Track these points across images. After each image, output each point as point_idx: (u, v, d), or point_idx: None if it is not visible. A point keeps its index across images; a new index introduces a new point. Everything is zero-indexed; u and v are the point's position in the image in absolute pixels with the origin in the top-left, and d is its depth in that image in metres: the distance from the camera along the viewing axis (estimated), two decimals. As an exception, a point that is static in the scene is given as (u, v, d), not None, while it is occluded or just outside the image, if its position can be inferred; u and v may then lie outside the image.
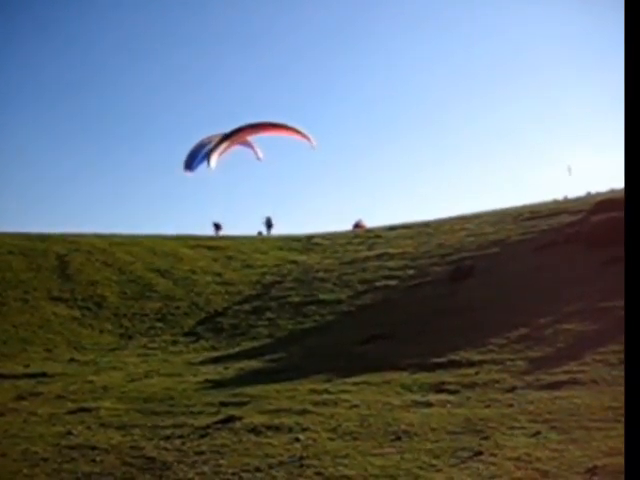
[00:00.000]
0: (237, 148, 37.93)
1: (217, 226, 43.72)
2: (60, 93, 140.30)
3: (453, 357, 14.88)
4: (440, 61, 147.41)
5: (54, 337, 24.52)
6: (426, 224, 39.24)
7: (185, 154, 38.84)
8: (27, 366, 20.53)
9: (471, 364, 14.19)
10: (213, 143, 35.99)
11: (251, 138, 36.76)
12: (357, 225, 46.49)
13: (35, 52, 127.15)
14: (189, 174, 38.33)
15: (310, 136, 34.79)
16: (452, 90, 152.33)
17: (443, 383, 12.99)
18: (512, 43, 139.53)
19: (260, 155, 39.43)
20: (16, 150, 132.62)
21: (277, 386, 14.45)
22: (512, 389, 11.98)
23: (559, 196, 40.34)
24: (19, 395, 15.96)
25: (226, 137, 34.99)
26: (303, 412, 11.94)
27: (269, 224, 39.76)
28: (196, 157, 37.49)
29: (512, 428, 9.63)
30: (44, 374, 18.97)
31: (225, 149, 35.55)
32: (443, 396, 12.11)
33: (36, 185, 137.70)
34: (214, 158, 34.88)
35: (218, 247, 36.63)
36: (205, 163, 37.16)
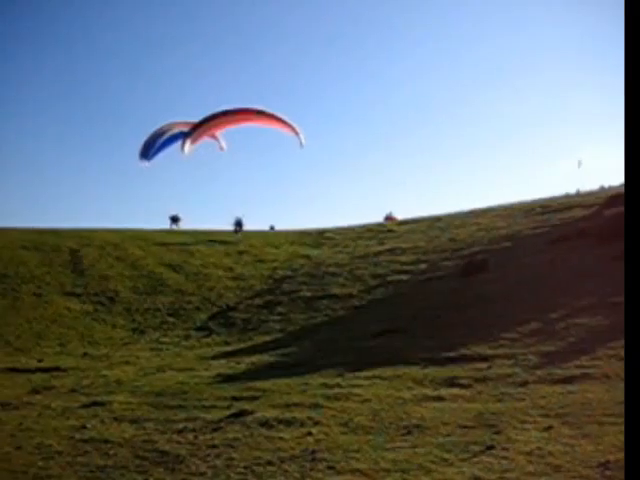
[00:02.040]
0: (206, 139, 34.33)
1: (174, 219, 42.74)
2: (69, 87, 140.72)
3: (465, 351, 14.87)
4: (454, 55, 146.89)
5: (67, 332, 24.66)
6: (438, 218, 39.20)
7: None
8: (41, 360, 20.66)
9: (483, 358, 14.17)
10: (189, 127, 32.21)
11: (232, 127, 32.92)
12: (388, 218, 46.37)
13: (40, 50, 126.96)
14: (145, 164, 35.99)
15: (300, 132, 30.81)
16: (464, 84, 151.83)
17: (455, 377, 12.98)
18: (525, 37, 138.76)
19: (224, 146, 35.68)
20: (28, 146, 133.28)
21: (289, 380, 14.48)
22: (524, 383, 11.97)
23: (572, 190, 40.14)
24: (33, 389, 16.06)
25: (206, 121, 31.40)
26: (315, 406, 11.97)
27: (239, 225, 39.24)
28: (153, 146, 35.45)
29: (524, 422, 9.63)
30: (58, 368, 19.09)
31: (202, 134, 31.79)
32: (455, 390, 12.12)
33: (48, 181, 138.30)
34: (188, 143, 31.02)
35: (230, 242, 36.72)
36: (162, 153, 35.51)
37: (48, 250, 33.28)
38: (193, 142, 30.95)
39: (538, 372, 12.55)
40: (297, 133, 30.63)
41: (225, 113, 31.42)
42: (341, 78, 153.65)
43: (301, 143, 30.98)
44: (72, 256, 32.67)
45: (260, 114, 31.15)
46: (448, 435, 9.44)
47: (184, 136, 31.66)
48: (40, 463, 9.73)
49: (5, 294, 27.42)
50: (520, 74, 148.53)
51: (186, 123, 33.87)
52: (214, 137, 34.13)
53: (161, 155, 35.66)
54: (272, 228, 47.55)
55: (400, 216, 45.64)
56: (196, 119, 32.46)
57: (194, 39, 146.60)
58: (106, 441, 10.82)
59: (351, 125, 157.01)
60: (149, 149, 34.89)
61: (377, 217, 46.71)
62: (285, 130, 31.11)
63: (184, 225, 42.83)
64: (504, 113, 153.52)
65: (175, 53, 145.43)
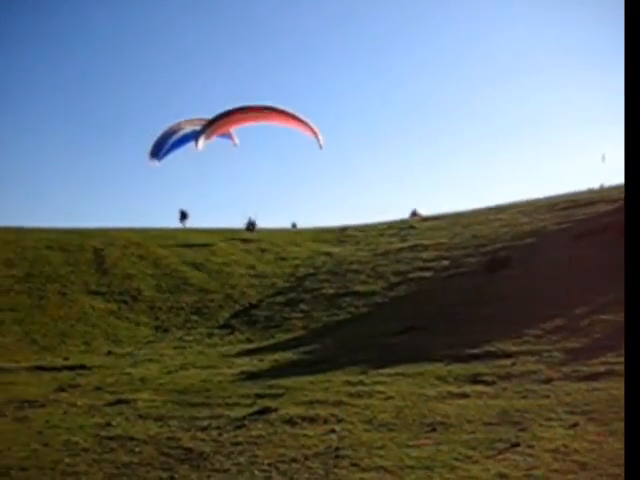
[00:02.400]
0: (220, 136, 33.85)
1: (183, 214, 42.30)
2: (88, 87, 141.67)
3: (488, 348, 14.79)
4: (477, 50, 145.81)
5: (92, 330, 24.89)
6: (460, 215, 39.02)
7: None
8: (66, 359, 20.89)
9: (507, 355, 14.09)
10: (203, 123, 31.48)
11: (248, 124, 32.01)
12: (414, 214, 46.19)
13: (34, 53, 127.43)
14: (156, 164, 35.45)
15: (319, 133, 29.60)
16: (486, 79, 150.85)
17: (479, 374, 12.92)
18: (543, 31, 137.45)
19: (237, 141, 35.12)
20: (50, 148, 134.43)
21: (312, 378, 14.51)
22: (549, 380, 11.88)
23: (595, 185, 39.70)
24: (59, 387, 16.24)
25: (221, 117, 30.53)
26: (338, 403, 11.98)
27: (252, 225, 39.10)
28: (163, 145, 34.91)
29: (549, 419, 9.56)
30: (83, 366, 19.30)
31: (217, 130, 31.12)
32: (479, 387, 12.06)
33: (71, 181, 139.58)
34: (202, 139, 30.41)
35: (252, 240, 36.82)
36: (174, 152, 35.16)
37: (72, 250, 33.62)
38: (207, 138, 30.48)
39: (563, 369, 12.46)
40: (316, 134, 29.77)
41: (242, 110, 30.62)
42: (359, 73, 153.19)
43: (320, 145, 30.10)
44: (96, 255, 32.97)
45: (279, 113, 30.31)
46: (472, 432, 9.40)
47: (198, 132, 31.04)
48: (67, 460, 9.84)
49: (31, 293, 27.74)
50: (542, 69, 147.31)
51: (198, 120, 33.66)
52: (228, 133, 33.76)
53: (178, 153, 35.24)
54: (294, 225, 47.53)
55: (426, 212, 45.42)
56: (205, 115, 32.22)
57: (195, 38, 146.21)
58: (131, 438, 10.92)
59: (374, 121, 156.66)
60: (160, 148, 34.62)
61: (402, 214, 46.56)
62: (304, 130, 30.34)
63: (193, 221, 42.46)
64: (527, 108, 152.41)
65: (182, 51, 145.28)
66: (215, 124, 30.19)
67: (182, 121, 34.93)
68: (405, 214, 46.44)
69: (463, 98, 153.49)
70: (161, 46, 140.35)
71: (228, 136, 34.21)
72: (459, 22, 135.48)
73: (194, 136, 32.23)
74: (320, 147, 30.05)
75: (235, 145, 35.07)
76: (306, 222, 47.89)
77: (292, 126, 30.56)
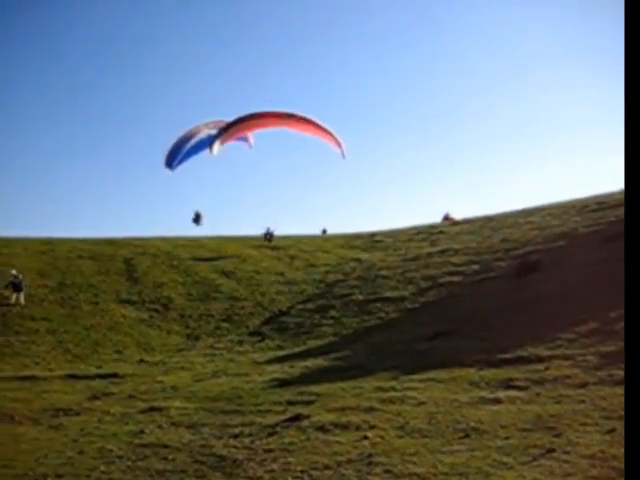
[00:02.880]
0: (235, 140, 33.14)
1: (197, 216, 41.65)
2: (117, 97, 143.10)
3: (521, 353, 14.61)
4: (505, 52, 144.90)
5: (124, 339, 25.11)
6: (489, 218, 38.76)
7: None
8: (99, 367, 21.11)
9: (540, 360, 13.90)
10: (219, 127, 30.03)
11: (266, 129, 30.25)
12: (446, 218, 45.98)
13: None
14: (169, 172, 34.63)
15: (342, 142, 27.97)
16: (516, 83, 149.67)
17: (511, 379, 12.77)
18: (570, 27, 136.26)
19: (252, 142, 32.94)
20: (83, 160, 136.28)
21: (343, 384, 14.47)
22: (584, 385, 11.70)
23: (627, 186, 39.01)
24: (93, 395, 16.43)
25: (239, 122, 28.99)
26: (370, 410, 11.93)
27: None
28: (178, 154, 34.09)
29: (585, 425, 9.41)
30: (115, 375, 19.49)
31: (233, 135, 29.69)
32: (512, 392, 11.92)
33: (102, 192, 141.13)
34: (217, 144, 28.85)
35: (281, 247, 36.92)
36: (187, 161, 33.25)
37: (104, 259, 34.02)
38: (222, 143, 29.40)
39: (598, 373, 12.26)
40: (339, 144, 28.48)
41: (260, 116, 29.43)
42: (388, 77, 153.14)
43: (343, 154, 28.60)
44: (127, 265, 33.30)
45: (300, 120, 28.91)
46: (507, 438, 9.29)
47: (213, 137, 29.81)
48: (102, 467, 9.93)
49: (64, 303, 28.09)
50: (572, 70, 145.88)
51: (214, 123, 32.68)
52: (244, 138, 32.87)
53: (207, 163, 34.82)
54: (324, 232, 47.48)
55: (458, 216, 45.12)
56: (223, 118, 31.02)
57: (196, 38, 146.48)
58: (165, 446, 11.00)
59: (397, 128, 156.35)
60: (174, 157, 34.21)
61: (431, 218, 46.30)
62: (326, 139, 28.90)
63: (206, 224, 42.02)
64: (558, 109, 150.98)
65: (176, 46, 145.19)
66: (231, 129, 29.28)
67: (200, 125, 34.12)
68: (435, 219, 46.24)
69: (494, 102, 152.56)
70: (166, 45, 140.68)
71: (243, 138, 33.73)
72: (491, 23, 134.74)
73: (209, 141, 31.06)
74: (343, 157, 28.65)
75: (250, 147, 34.36)
76: (334, 229, 47.80)
77: (313, 134, 29.21)
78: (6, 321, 25.83)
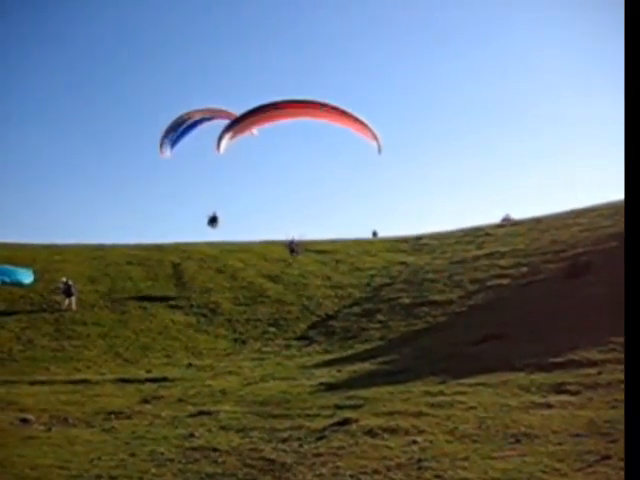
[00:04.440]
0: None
1: (212, 219, 40.86)
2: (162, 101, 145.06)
3: (572, 357, 14.36)
4: (553, 51, 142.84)
5: (172, 343, 25.42)
6: (537, 220, 38.23)
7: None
8: (149, 371, 21.40)
9: (592, 364, 13.64)
10: (230, 119, 26.47)
11: (286, 120, 25.97)
12: (505, 219, 45.45)
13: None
14: (167, 155, 32.90)
15: (378, 135, 24.31)
16: (561, 82, 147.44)
17: (563, 384, 12.54)
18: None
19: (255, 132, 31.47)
20: (132, 170, 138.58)
21: (391, 388, 14.40)
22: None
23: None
24: (143, 399, 16.64)
25: (256, 113, 25.07)
26: (419, 414, 11.83)
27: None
28: (170, 138, 32.46)
29: (642, 431, 9.18)
30: (165, 379, 19.74)
31: (246, 128, 25.96)
32: (564, 397, 11.71)
33: (148, 198, 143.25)
34: (227, 138, 25.26)
35: (327, 251, 36.98)
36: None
37: (152, 265, 34.52)
38: (234, 136, 25.71)
39: (653, 377, 11.97)
40: (375, 137, 25.22)
41: (282, 105, 25.26)
42: (440, 76, 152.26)
43: (379, 148, 25.28)
44: (174, 270, 33.74)
45: (327, 109, 25.02)
46: (559, 444, 9.12)
47: (224, 130, 25.95)
48: (153, 470, 10.04)
49: (114, 308, 28.57)
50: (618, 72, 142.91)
51: (208, 110, 30.56)
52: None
53: (252, 164, 34.13)
54: (375, 234, 47.38)
55: (517, 216, 44.44)
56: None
57: (197, 37, 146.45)
58: (214, 449, 11.06)
59: (441, 130, 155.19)
60: (168, 142, 32.88)
61: (481, 220, 45.82)
62: (359, 131, 25.39)
63: (222, 226, 41.43)
64: (603, 107, 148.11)
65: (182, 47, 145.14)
66: (247, 121, 25.46)
67: (190, 111, 31.33)
68: (487, 220, 45.68)
69: (540, 101, 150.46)
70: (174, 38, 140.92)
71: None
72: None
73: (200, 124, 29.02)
74: (379, 151, 25.25)
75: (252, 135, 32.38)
76: (380, 232, 47.68)
77: (343, 124, 25.57)
78: (59, 326, 26.39)
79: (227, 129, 25.34)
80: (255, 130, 28.97)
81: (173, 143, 32.44)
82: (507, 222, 43.08)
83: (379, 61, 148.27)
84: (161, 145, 32.40)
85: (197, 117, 29.64)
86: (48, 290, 29.64)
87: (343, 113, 24.53)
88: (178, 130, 31.61)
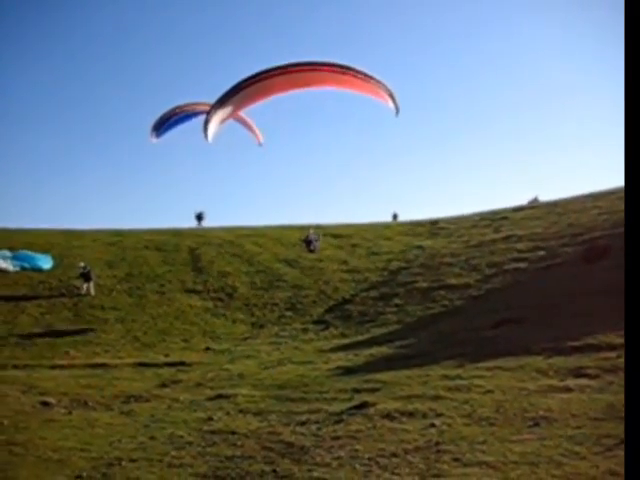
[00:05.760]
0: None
1: (199, 217, 40.60)
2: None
3: (591, 341, 14.29)
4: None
5: (190, 327, 25.56)
6: (554, 203, 37.95)
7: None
8: (167, 355, 21.55)
9: (611, 347, 13.56)
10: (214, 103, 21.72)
11: (281, 94, 21.62)
12: (532, 201, 44.96)
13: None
14: (154, 140, 32.10)
15: (394, 94, 20.82)
16: (584, 67, 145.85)
17: (582, 367, 12.50)
18: None
19: (261, 140, 28.64)
20: (146, 153, 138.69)
21: (408, 372, 14.41)
22: (658, 373, 11.36)
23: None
24: (162, 383, 16.78)
25: (240, 88, 20.61)
26: (436, 398, 11.85)
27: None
28: (165, 123, 31.78)
29: (661, 414, 9.14)
30: (183, 363, 19.88)
31: (236, 111, 22.18)
32: (583, 381, 11.67)
33: (166, 183, 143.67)
34: (213, 127, 21.44)
35: (343, 235, 36.93)
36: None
37: (169, 249, 34.67)
38: (223, 121, 21.95)
39: (673, 361, 11.89)
40: (391, 96, 21.28)
41: (279, 72, 20.71)
42: (460, 58, 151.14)
43: (397, 109, 21.80)
44: (191, 255, 33.86)
45: (334, 71, 20.93)
46: (578, 427, 9.11)
47: (209, 112, 22.09)
48: (173, 453, 10.15)
49: (131, 293, 28.77)
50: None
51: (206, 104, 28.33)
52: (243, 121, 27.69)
53: (270, 150, 33.82)
54: (395, 216, 47.27)
55: (545, 198, 43.92)
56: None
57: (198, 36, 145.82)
58: (233, 432, 11.15)
59: (472, 112, 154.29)
60: (162, 126, 32.27)
61: (498, 204, 45.42)
62: (372, 92, 21.65)
63: (208, 223, 41.32)
64: (618, 90, 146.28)
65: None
66: (233, 100, 21.32)
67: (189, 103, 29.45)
68: (503, 204, 45.37)
69: (558, 86, 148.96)
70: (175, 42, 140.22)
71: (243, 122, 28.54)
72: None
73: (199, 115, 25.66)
74: (397, 112, 21.69)
75: (260, 144, 29.53)
76: (401, 215, 47.45)
77: (355, 90, 21.87)
78: (78, 311, 26.62)
79: (213, 112, 21.28)
80: (260, 138, 27.64)
81: (163, 131, 32.02)
82: (535, 203, 42.60)
83: (402, 45, 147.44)
84: (154, 131, 31.88)
85: (197, 110, 27.34)
86: (67, 275, 29.89)
87: (350, 72, 20.80)
88: (171, 120, 30.89)
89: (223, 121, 21.90)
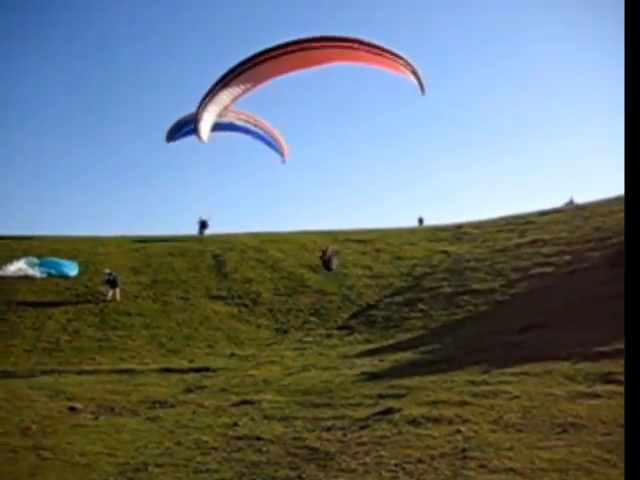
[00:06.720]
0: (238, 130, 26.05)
1: (203, 224, 40.03)
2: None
3: (619, 346, 14.02)
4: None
5: (214, 333, 25.66)
6: (580, 207, 37.60)
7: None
8: (192, 361, 21.65)
9: (640, 353, 13.35)
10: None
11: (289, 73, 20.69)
12: (569, 203, 44.46)
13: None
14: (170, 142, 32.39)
15: (418, 71, 19.97)
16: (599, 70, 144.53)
17: (610, 373, 12.29)
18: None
19: (286, 157, 27.06)
20: (173, 161, 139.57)
21: (433, 377, 14.33)
22: (689, 378, 11.19)
23: None
24: (187, 388, 16.84)
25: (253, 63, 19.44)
26: (462, 403, 11.76)
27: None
28: (181, 128, 31.42)
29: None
30: (207, 368, 19.94)
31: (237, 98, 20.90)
32: (611, 387, 11.48)
33: (189, 191, 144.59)
34: (206, 126, 21.26)
35: (367, 240, 36.87)
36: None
37: (193, 256, 34.82)
38: (221, 115, 20.53)
39: (703, 366, 11.70)
40: (415, 72, 20.47)
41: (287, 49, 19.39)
42: (483, 65, 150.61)
43: (422, 87, 20.83)
44: (216, 261, 33.99)
45: (357, 47, 19.70)
46: (607, 434, 8.97)
47: (202, 99, 21.11)
48: (199, 458, 10.18)
49: (156, 299, 28.95)
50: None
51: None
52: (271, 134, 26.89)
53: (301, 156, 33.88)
54: (421, 220, 47.12)
55: (580, 200, 43.38)
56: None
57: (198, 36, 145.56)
58: (258, 438, 11.15)
59: (499, 118, 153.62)
60: (177, 130, 32.44)
61: (523, 208, 44.91)
62: (394, 68, 20.55)
63: (211, 231, 40.78)
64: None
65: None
66: (233, 86, 19.63)
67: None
68: (527, 209, 44.97)
69: (588, 88, 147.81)
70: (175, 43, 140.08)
71: (262, 137, 28.00)
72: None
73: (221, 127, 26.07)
74: (422, 91, 21.09)
75: (284, 162, 28.47)
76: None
77: (375, 64, 20.72)
78: (104, 317, 26.84)
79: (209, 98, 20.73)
80: (287, 156, 27.25)
81: (177, 136, 32.10)
82: (571, 206, 42.07)
83: (431, 47, 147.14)
84: (169, 136, 31.88)
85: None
86: (93, 282, 30.16)
87: (372, 49, 19.91)
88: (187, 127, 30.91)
89: (222, 112, 21.42)
